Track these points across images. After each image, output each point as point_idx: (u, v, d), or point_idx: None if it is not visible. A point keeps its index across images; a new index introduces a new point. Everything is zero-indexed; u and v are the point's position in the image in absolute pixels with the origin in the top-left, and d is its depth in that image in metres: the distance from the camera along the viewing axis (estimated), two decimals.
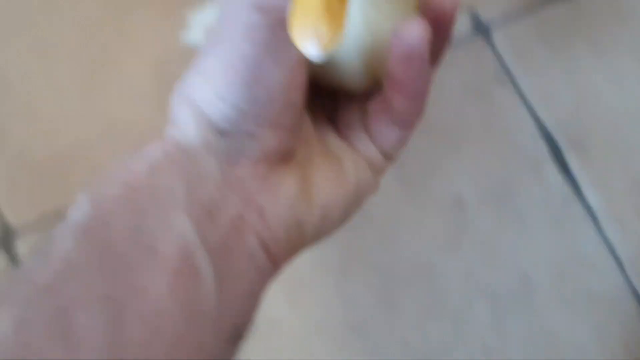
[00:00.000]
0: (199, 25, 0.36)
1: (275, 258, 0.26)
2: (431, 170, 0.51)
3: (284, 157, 0.26)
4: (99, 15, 0.53)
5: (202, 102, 0.25)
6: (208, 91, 0.25)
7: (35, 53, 0.53)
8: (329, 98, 0.31)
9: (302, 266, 0.47)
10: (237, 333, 0.25)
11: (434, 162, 0.52)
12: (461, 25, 0.55)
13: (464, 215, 0.51)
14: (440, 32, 0.28)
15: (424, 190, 0.51)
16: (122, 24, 0.53)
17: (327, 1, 0.21)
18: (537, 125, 0.53)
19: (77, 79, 0.52)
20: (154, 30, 0.53)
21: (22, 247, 0.48)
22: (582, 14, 0.56)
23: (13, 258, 0.48)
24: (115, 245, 0.23)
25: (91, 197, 0.24)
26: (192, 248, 0.23)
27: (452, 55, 0.53)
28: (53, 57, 0.53)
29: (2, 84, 0.52)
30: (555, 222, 0.51)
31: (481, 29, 0.55)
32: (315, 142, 0.28)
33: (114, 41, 0.53)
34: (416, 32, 0.24)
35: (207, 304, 0.23)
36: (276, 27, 0.24)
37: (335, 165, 0.28)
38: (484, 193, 0.52)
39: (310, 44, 0.21)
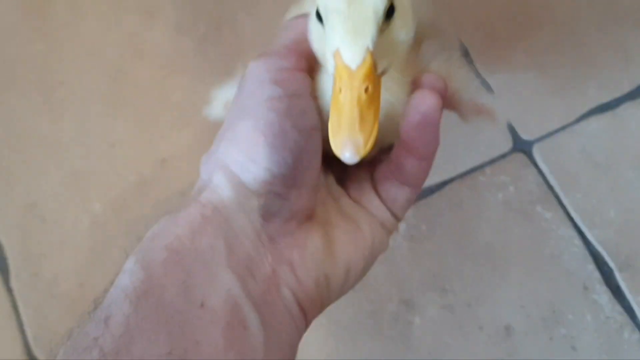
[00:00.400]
0: (219, 101, 0.38)
1: (306, 312, 0.28)
2: (477, 297, 0.50)
3: (307, 216, 0.29)
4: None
5: (234, 167, 0.28)
6: (240, 156, 0.27)
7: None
8: (338, 165, 0.32)
9: None
10: None
11: (480, 288, 0.50)
12: (501, 143, 0.54)
13: (512, 343, 0.49)
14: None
15: (470, 318, 0.50)
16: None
17: (360, 112, 0.23)
18: (585, 246, 0.52)
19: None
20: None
21: None
22: (624, 125, 0.55)
23: None
24: (169, 305, 0.24)
25: (141, 264, 0.25)
26: (239, 301, 0.25)
27: (493, 175, 0.53)
28: None
29: (37, 215, 0.53)
30: (609, 349, 0.49)
31: (521, 147, 0.54)
32: (332, 204, 0.31)
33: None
34: (430, 101, 0.28)
35: (256, 354, 0.25)
36: (293, 97, 0.27)
37: (352, 224, 0.30)
38: (532, 319, 0.50)
39: (348, 152, 0.23)
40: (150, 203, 0.53)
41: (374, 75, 0.24)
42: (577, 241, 0.52)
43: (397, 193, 0.31)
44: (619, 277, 0.51)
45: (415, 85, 0.29)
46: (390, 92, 0.29)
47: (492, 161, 0.54)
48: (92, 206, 0.53)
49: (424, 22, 0.33)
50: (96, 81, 0.57)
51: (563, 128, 0.55)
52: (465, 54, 0.57)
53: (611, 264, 0.51)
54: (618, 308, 0.50)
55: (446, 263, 0.51)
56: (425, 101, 0.28)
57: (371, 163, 0.33)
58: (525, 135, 0.54)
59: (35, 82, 0.57)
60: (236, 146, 0.28)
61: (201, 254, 0.26)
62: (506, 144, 0.54)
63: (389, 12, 0.25)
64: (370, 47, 0.24)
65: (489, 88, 0.56)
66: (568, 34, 0.58)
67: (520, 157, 0.54)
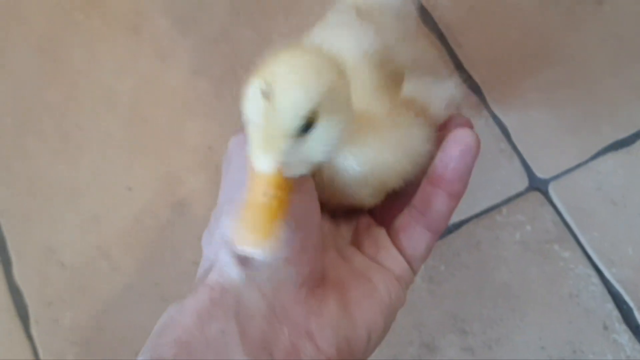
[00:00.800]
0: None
1: None
2: (497, 338, 0.50)
3: (318, 280, 0.28)
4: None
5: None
6: None
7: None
8: (348, 223, 0.33)
9: None
10: None
11: (500, 329, 0.50)
12: (517, 182, 0.54)
13: None
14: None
15: None
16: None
17: (263, 215, 0.25)
18: (603, 284, 0.52)
19: None
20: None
21: None
22: (639, 162, 0.55)
23: None
24: None
25: None
26: None
27: (509, 214, 0.54)
28: None
29: (56, 261, 0.53)
30: None
31: (537, 185, 0.54)
32: (343, 265, 0.30)
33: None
34: (471, 134, 0.30)
35: None
36: None
37: (366, 283, 0.30)
38: None
39: (251, 252, 0.25)
40: (168, 247, 0.54)
41: (283, 182, 0.26)
42: (596, 280, 0.52)
43: (418, 240, 0.32)
44: (638, 315, 0.51)
45: (444, 127, 0.32)
46: (383, 138, 0.30)
47: (509, 200, 0.54)
48: (110, 251, 0.53)
49: (406, 64, 0.35)
50: (112, 125, 0.57)
51: (578, 166, 0.55)
52: (477, 91, 0.58)
53: (630, 303, 0.51)
54: (638, 347, 0.50)
55: (465, 304, 0.51)
56: (466, 135, 0.30)
57: (383, 216, 0.34)
58: (540, 174, 0.55)
59: (52, 127, 0.57)
60: (236, 217, 0.27)
61: (213, 343, 0.25)
62: (522, 183, 0.54)
63: (307, 128, 0.26)
64: (280, 158, 0.25)
65: (502, 127, 0.56)
66: (581, 71, 0.58)
67: (536, 195, 0.54)
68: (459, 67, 0.59)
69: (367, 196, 0.32)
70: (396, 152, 0.31)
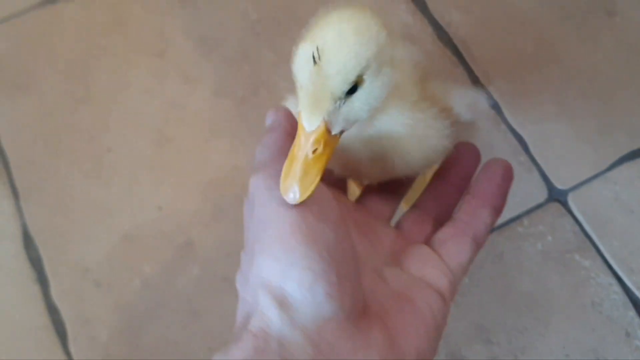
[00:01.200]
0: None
1: None
2: (523, 347, 0.51)
3: (360, 310, 0.28)
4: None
5: (275, 278, 0.26)
6: (278, 264, 0.27)
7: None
8: (387, 238, 0.34)
9: None
10: None
11: (525, 338, 0.52)
12: (537, 194, 0.56)
13: None
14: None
15: None
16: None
17: (304, 168, 0.27)
18: (624, 292, 0.53)
19: None
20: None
21: None
22: None
23: None
24: None
25: None
26: None
27: (531, 225, 0.55)
28: None
29: (91, 280, 0.55)
30: None
31: (557, 196, 0.56)
32: (382, 287, 0.30)
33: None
34: (507, 162, 0.36)
35: None
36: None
37: (409, 306, 0.30)
38: None
39: (288, 197, 0.27)
40: (198, 264, 0.55)
41: (326, 138, 0.28)
42: (617, 288, 0.53)
43: (464, 251, 0.33)
44: None
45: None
46: (403, 126, 0.33)
47: (529, 211, 0.55)
48: (142, 269, 0.55)
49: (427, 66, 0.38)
50: (141, 146, 0.59)
51: (596, 176, 0.56)
52: (495, 106, 0.59)
53: None
54: None
55: (490, 314, 0.52)
56: (505, 162, 0.36)
57: (411, 235, 0.35)
58: (559, 185, 0.56)
59: (83, 150, 0.59)
60: (270, 256, 0.27)
61: None
62: (541, 194, 0.56)
63: (352, 89, 0.28)
64: (326, 118, 0.28)
65: (521, 140, 0.57)
66: (595, 82, 0.59)
67: (556, 206, 0.55)
68: (475, 81, 0.60)
69: (409, 163, 0.34)
70: (420, 140, 0.33)
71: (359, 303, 0.28)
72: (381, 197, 0.38)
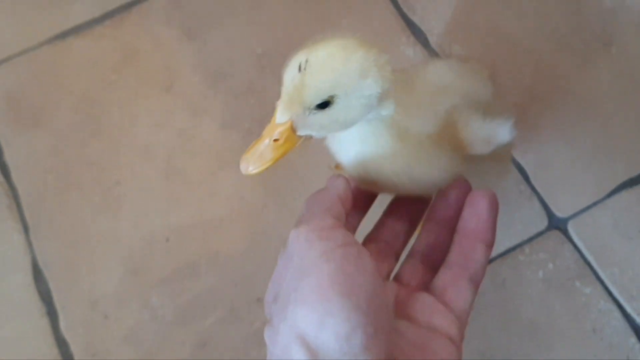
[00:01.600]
0: None
1: None
2: None
3: None
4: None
5: (310, 328, 0.26)
6: (314, 314, 0.26)
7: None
8: (392, 295, 0.34)
9: None
10: None
11: None
12: (537, 222, 0.57)
13: None
14: None
15: None
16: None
17: (262, 151, 0.32)
18: (624, 319, 0.54)
19: None
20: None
21: None
22: None
23: None
24: None
25: None
26: None
27: (532, 253, 0.56)
28: None
29: (100, 312, 0.56)
30: None
31: (557, 224, 0.57)
32: (400, 340, 0.30)
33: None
34: (490, 191, 0.34)
35: None
36: (345, 246, 0.28)
37: (430, 355, 0.30)
38: None
39: (243, 167, 0.32)
40: (205, 295, 0.56)
41: (289, 134, 0.32)
42: (617, 314, 0.54)
43: (465, 295, 0.33)
44: None
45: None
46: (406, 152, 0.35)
47: (530, 239, 0.56)
48: (150, 300, 0.56)
49: (485, 101, 0.40)
50: (150, 179, 0.60)
51: (595, 204, 0.57)
52: None
53: None
54: None
55: (493, 341, 0.53)
56: (487, 192, 0.34)
57: (421, 276, 0.35)
58: (559, 213, 0.57)
59: (92, 182, 0.60)
60: (306, 305, 0.27)
61: None
62: (542, 223, 0.57)
63: (324, 104, 0.31)
64: (293, 118, 0.32)
65: (521, 169, 0.59)
66: (593, 111, 0.61)
67: (556, 234, 0.56)
68: None
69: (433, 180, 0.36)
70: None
71: (391, 355, 0.28)
72: (379, 257, 0.37)
